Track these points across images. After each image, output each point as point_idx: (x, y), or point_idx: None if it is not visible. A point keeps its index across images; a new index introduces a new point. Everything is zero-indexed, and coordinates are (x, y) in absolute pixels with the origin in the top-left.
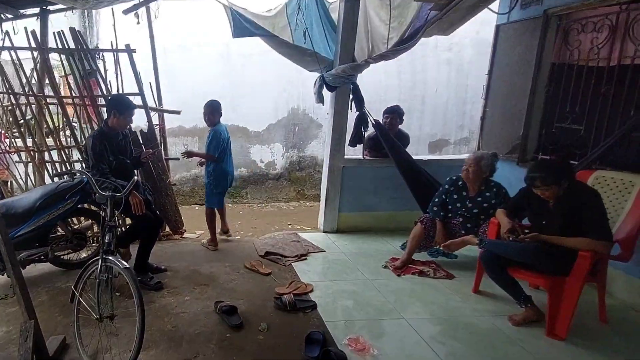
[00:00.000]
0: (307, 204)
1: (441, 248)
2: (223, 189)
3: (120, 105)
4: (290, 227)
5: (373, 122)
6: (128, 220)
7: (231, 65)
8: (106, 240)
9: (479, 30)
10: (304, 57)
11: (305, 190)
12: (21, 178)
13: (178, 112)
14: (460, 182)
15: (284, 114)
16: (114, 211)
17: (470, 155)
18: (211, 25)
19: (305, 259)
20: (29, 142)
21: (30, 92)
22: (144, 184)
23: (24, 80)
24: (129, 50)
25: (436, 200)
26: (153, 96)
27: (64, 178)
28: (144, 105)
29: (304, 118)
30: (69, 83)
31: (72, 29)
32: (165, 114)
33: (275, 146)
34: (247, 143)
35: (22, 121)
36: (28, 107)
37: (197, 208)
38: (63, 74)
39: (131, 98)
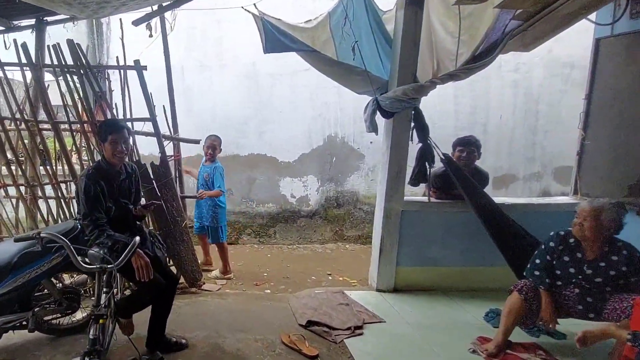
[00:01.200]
0: (347, 246)
1: (549, 327)
2: None
3: (102, 130)
4: (330, 277)
5: (442, 155)
6: None
7: (258, 86)
8: (91, 336)
9: (552, 47)
10: (351, 76)
11: (344, 231)
12: (8, 219)
13: (197, 142)
14: (572, 240)
15: (319, 143)
16: (102, 288)
17: (584, 204)
18: (236, 41)
19: (361, 334)
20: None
21: (20, 117)
22: (152, 235)
23: (14, 103)
24: (139, 68)
25: (537, 262)
26: (167, 122)
27: (40, 242)
28: (156, 133)
29: (343, 147)
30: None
31: (69, 41)
32: (182, 143)
33: (309, 179)
34: (276, 175)
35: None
36: (17, 134)
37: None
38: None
39: (139, 125)
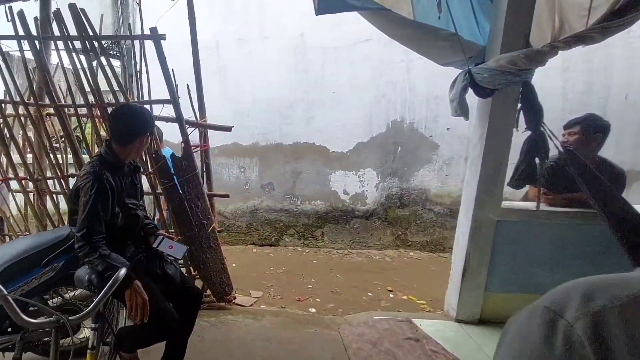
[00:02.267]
0: (412, 254)
1: None
2: None
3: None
4: (391, 295)
5: (561, 148)
6: None
7: (307, 62)
8: None
9: None
10: (435, 41)
11: (408, 235)
12: (11, 216)
13: (228, 129)
14: None
15: (381, 129)
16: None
17: None
18: (281, 7)
19: None
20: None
21: (20, 99)
22: (157, 242)
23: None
24: (156, 37)
25: None
26: (192, 105)
27: None
28: (178, 118)
29: (411, 135)
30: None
31: (72, 6)
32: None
33: (367, 173)
34: (326, 168)
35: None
36: (17, 120)
37: (255, 250)
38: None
39: (158, 109)
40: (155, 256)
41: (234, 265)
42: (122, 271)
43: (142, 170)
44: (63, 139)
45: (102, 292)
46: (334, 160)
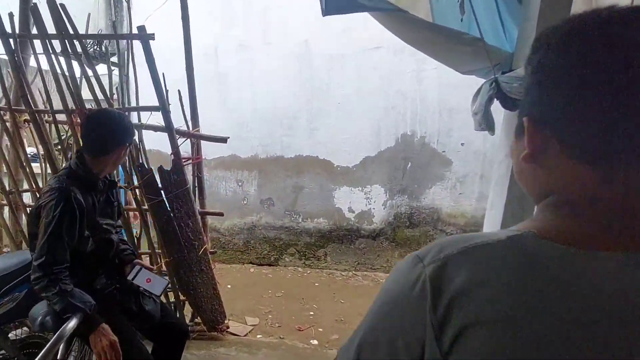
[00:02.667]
0: None
1: None
2: None
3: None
4: None
5: None
6: None
7: (310, 70)
8: None
9: None
10: (456, 46)
11: None
12: None
13: (224, 140)
14: None
15: (390, 143)
16: None
17: None
18: (284, 12)
19: None
20: None
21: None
22: (133, 273)
23: None
24: (143, 37)
25: None
26: (184, 113)
27: None
28: (167, 127)
29: (422, 150)
30: None
31: (50, 1)
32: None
33: (374, 190)
34: (330, 183)
35: None
36: None
37: (252, 270)
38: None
39: (144, 117)
40: (131, 289)
41: (229, 286)
42: (72, 323)
43: (123, 185)
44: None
45: (46, 348)
46: (338, 175)
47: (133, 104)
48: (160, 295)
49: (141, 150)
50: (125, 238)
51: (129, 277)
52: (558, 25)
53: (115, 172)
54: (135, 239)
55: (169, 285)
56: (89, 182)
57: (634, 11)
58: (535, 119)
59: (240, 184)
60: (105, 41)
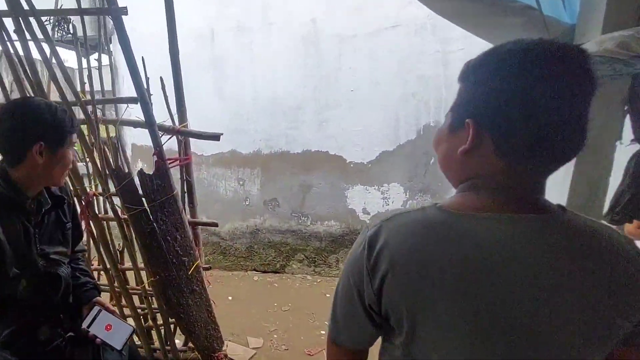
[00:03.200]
0: None
1: None
2: None
3: (53, 124)
4: None
5: None
6: None
7: (318, 54)
8: None
9: None
10: (504, 17)
11: None
12: None
13: (216, 137)
14: None
15: (410, 136)
16: None
17: None
18: None
19: None
20: None
21: None
22: (89, 319)
23: None
24: (115, 11)
25: None
26: (168, 106)
27: None
28: (148, 123)
29: None
30: None
31: None
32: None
33: (392, 188)
34: (342, 181)
35: None
36: None
37: (256, 279)
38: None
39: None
40: (87, 338)
41: (229, 298)
42: None
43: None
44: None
45: None
46: (351, 173)
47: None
48: (122, 349)
49: (119, 150)
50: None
51: (84, 324)
52: (492, 52)
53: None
54: (119, 252)
55: (134, 333)
56: (15, 202)
57: (548, 44)
58: (478, 122)
59: (241, 182)
60: (77, 23)
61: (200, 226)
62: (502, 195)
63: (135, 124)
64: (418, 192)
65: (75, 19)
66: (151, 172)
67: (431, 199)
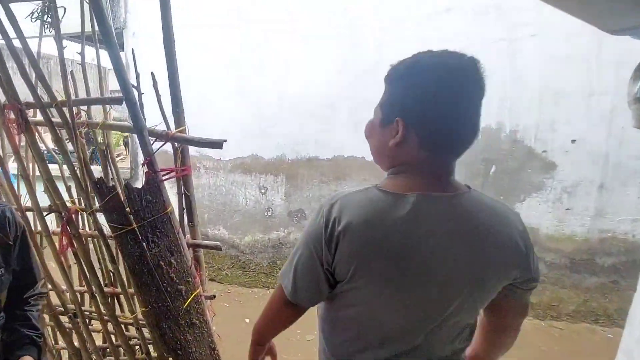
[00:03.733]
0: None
1: None
2: None
3: None
4: None
5: None
6: None
7: (354, 45)
8: None
9: None
10: None
11: None
12: None
13: (218, 145)
14: None
15: None
16: None
17: None
18: None
19: None
20: None
21: None
22: None
23: None
24: None
25: None
26: (160, 107)
27: None
28: (136, 128)
29: (513, 149)
30: None
31: None
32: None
33: None
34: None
35: None
36: None
37: None
38: None
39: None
40: None
41: (247, 320)
42: None
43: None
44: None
45: None
46: None
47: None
48: None
49: (109, 159)
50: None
51: None
52: (416, 62)
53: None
54: (112, 274)
55: None
56: None
57: (453, 57)
58: (406, 120)
59: (263, 191)
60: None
61: (203, 249)
62: (425, 178)
63: (122, 128)
64: None
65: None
66: (141, 187)
67: None
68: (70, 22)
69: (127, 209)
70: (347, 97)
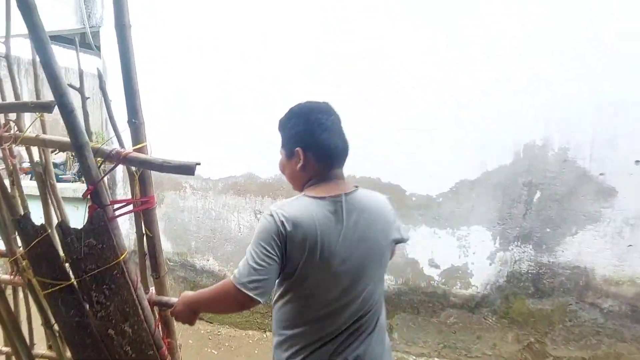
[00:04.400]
0: None
1: None
2: None
3: None
4: None
5: None
6: None
7: (360, 36)
8: None
9: None
10: None
11: (547, 345)
12: None
13: (189, 170)
14: None
15: (504, 159)
16: None
17: None
18: None
19: None
20: None
21: None
22: None
23: None
24: None
25: None
26: (110, 117)
27: None
28: (75, 145)
29: (563, 171)
30: None
31: None
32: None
33: (473, 233)
34: (400, 221)
35: None
36: None
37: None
38: None
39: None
40: None
41: None
42: None
43: None
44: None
45: None
46: (413, 210)
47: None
48: None
49: (48, 185)
50: None
51: None
52: (297, 110)
53: None
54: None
55: None
56: None
57: (320, 103)
58: (303, 148)
59: (259, 216)
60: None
61: (164, 308)
62: (328, 186)
63: (57, 144)
64: (514, 239)
65: None
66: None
67: (534, 251)
68: None
69: (63, 257)
70: (357, 104)
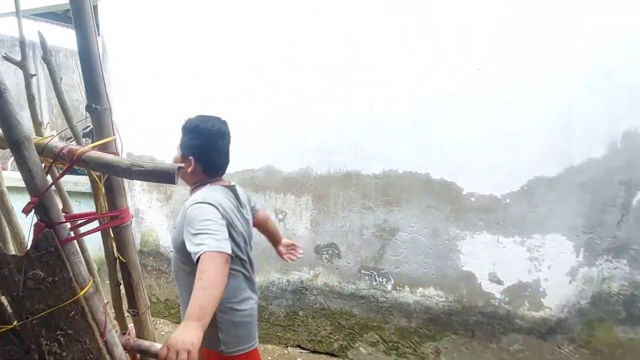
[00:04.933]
0: None
1: None
2: None
3: None
4: None
5: None
6: None
7: (410, 17)
8: None
9: None
10: None
11: None
12: None
13: (168, 178)
14: None
15: (592, 152)
16: None
17: None
18: None
19: None
20: None
21: None
22: None
23: None
24: None
25: None
26: (64, 108)
27: None
28: (9, 137)
29: None
30: None
31: None
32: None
33: (549, 243)
34: (453, 225)
35: None
36: None
37: None
38: None
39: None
40: None
41: None
42: None
43: None
44: None
45: None
46: (472, 212)
47: None
48: None
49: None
50: None
51: None
52: (200, 122)
53: None
54: None
55: None
56: None
57: (213, 117)
58: (195, 159)
59: (281, 216)
60: None
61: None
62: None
63: None
64: (604, 252)
65: None
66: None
67: (629, 267)
68: None
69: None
70: (405, 90)
